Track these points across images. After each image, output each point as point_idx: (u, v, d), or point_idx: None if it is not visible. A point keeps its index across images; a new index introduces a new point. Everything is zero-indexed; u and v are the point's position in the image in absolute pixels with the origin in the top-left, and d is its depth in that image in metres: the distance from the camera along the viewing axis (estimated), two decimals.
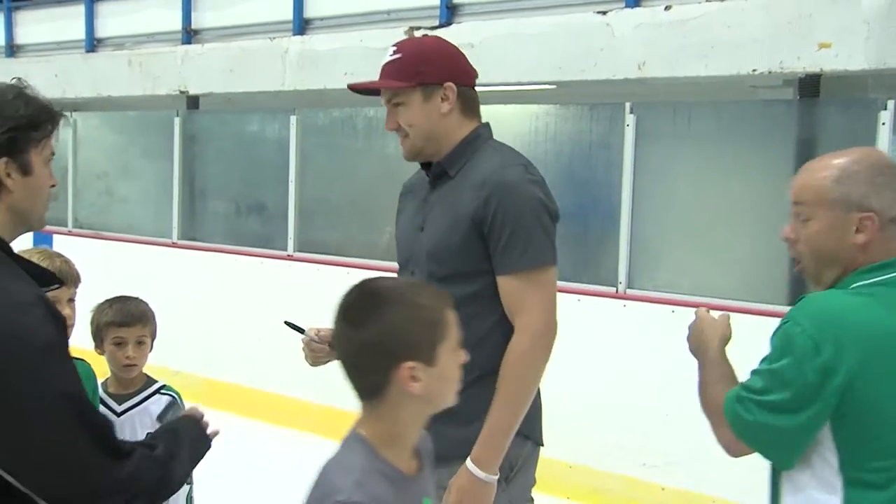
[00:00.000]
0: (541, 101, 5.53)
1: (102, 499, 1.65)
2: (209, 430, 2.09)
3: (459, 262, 2.28)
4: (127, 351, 2.83)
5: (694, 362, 4.45)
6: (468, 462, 2.21)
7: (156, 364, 6.48)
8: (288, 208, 6.49)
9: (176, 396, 2.98)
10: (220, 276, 6.76)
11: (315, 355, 2.46)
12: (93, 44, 8.38)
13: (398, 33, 5.87)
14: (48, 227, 8.06)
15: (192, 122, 7.39)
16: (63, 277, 2.28)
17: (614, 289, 4.91)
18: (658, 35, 4.71)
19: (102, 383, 2.91)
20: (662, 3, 4.76)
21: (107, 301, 2.89)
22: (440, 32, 5.69)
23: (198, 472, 2.34)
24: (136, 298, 2.93)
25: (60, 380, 1.62)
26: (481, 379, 2.21)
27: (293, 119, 6.44)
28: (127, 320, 2.81)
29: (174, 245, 7.25)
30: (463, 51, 5.45)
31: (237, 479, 4.94)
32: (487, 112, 5.59)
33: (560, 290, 4.91)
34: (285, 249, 6.49)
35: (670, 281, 4.84)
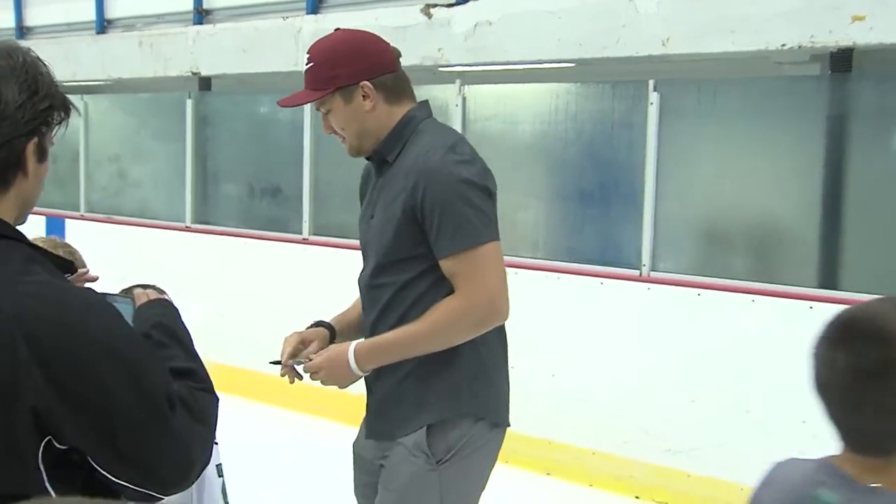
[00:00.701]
0: (561, 79, 5.43)
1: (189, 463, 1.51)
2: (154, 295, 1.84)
3: (397, 249, 2.32)
4: None
5: (720, 346, 4.40)
6: (351, 345, 2.35)
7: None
8: (303, 191, 6.42)
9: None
10: (235, 261, 6.70)
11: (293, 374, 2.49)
12: (103, 25, 8.32)
13: (414, 11, 5.80)
14: (60, 212, 8.13)
15: (205, 104, 7.32)
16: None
17: (638, 272, 4.82)
18: (682, 10, 4.60)
19: None
20: None
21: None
22: (457, 10, 5.61)
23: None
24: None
25: (158, 374, 1.51)
26: (426, 366, 2.33)
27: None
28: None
29: (187, 229, 7.19)
30: (481, 28, 5.43)
31: (250, 463, 4.89)
32: (505, 91, 5.56)
33: (582, 273, 4.91)
34: (300, 233, 6.43)
35: (695, 263, 4.75)
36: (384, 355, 2.34)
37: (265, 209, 6.98)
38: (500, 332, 2.46)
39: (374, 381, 2.44)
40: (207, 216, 7.25)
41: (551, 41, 5.16)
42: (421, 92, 5.82)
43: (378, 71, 2.37)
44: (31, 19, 9.24)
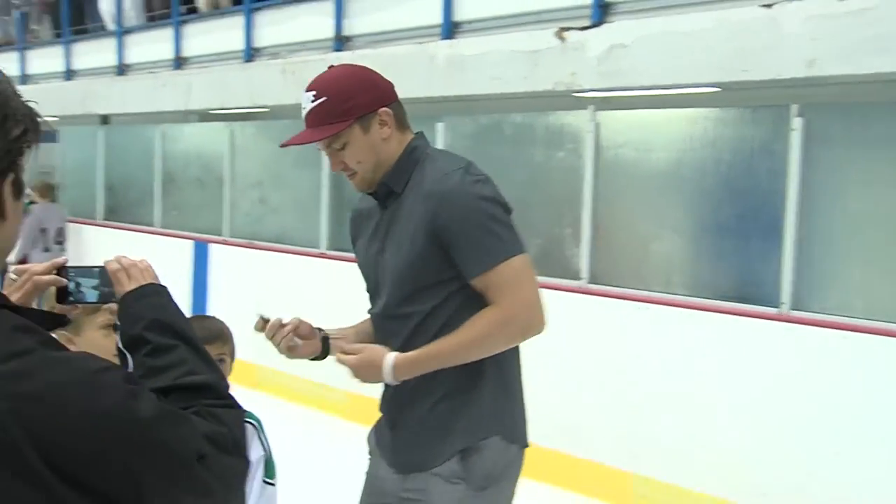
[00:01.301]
0: (698, 104, 5.17)
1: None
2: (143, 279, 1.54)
3: (423, 276, 2.30)
4: None
5: (869, 394, 4.03)
6: (391, 354, 2.29)
7: (300, 376, 6.49)
8: None
9: (256, 424, 2.59)
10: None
11: (292, 346, 2.47)
12: (251, 54, 8.54)
13: (547, 34, 5.67)
14: (205, 236, 8.36)
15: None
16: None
17: (776, 309, 4.51)
18: (831, 28, 4.28)
19: None
20: None
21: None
22: (592, 33, 5.44)
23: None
24: (214, 317, 2.73)
25: (184, 441, 1.25)
26: (454, 393, 2.33)
27: (440, 126, 6.29)
28: (206, 337, 2.58)
29: (322, 256, 7.24)
30: (615, 52, 5.24)
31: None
32: (640, 117, 5.34)
33: (714, 310, 4.62)
34: None
35: (840, 302, 4.39)
36: (421, 368, 2.31)
37: None
38: (516, 350, 2.44)
39: (399, 414, 2.43)
40: (343, 242, 7.26)
41: (688, 64, 4.92)
42: (552, 118, 5.76)
43: (388, 98, 2.37)
44: (186, 50, 9.62)
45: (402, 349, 2.34)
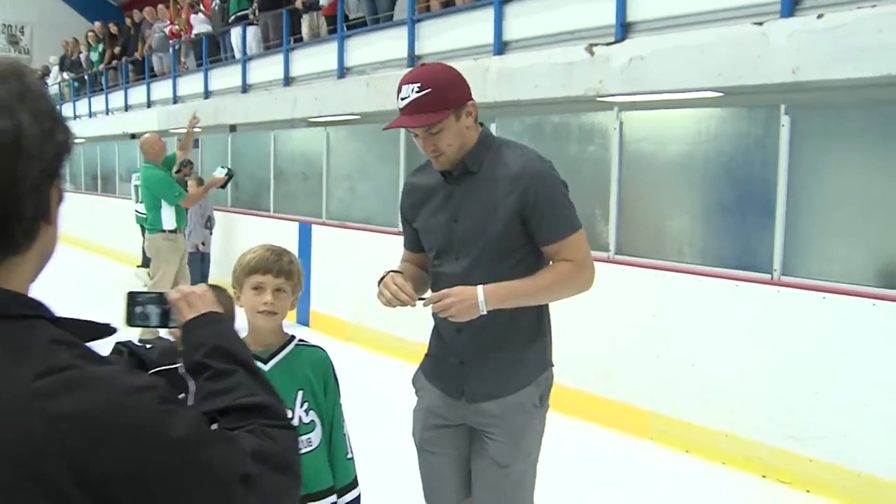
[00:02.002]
0: (703, 105, 5.11)
1: None
2: (200, 298, 1.37)
3: (505, 243, 2.31)
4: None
5: (842, 345, 3.98)
6: (479, 287, 2.26)
7: (385, 331, 6.57)
8: None
9: None
10: None
11: (395, 300, 2.32)
12: (343, 72, 8.65)
13: (579, 49, 5.64)
14: (309, 219, 8.53)
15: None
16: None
17: (769, 275, 4.45)
18: (810, 41, 4.21)
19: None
20: (815, 11, 4.24)
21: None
22: (616, 47, 5.40)
23: None
24: (224, 290, 2.35)
25: (228, 462, 1.04)
26: (525, 333, 2.40)
27: (493, 126, 6.31)
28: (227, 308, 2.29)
29: (400, 234, 7.31)
30: (633, 62, 5.19)
31: None
32: (656, 116, 5.29)
33: (720, 276, 4.60)
34: None
35: (821, 269, 4.32)
36: (507, 299, 2.30)
37: None
38: None
39: (471, 352, 2.41)
40: None
41: (694, 72, 4.87)
42: (584, 118, 5.72)
43: (471, 93, 2.36)
44: (293, 71, 9.78)
45: None
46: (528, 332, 2.41)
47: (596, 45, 5.54)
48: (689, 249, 5.04)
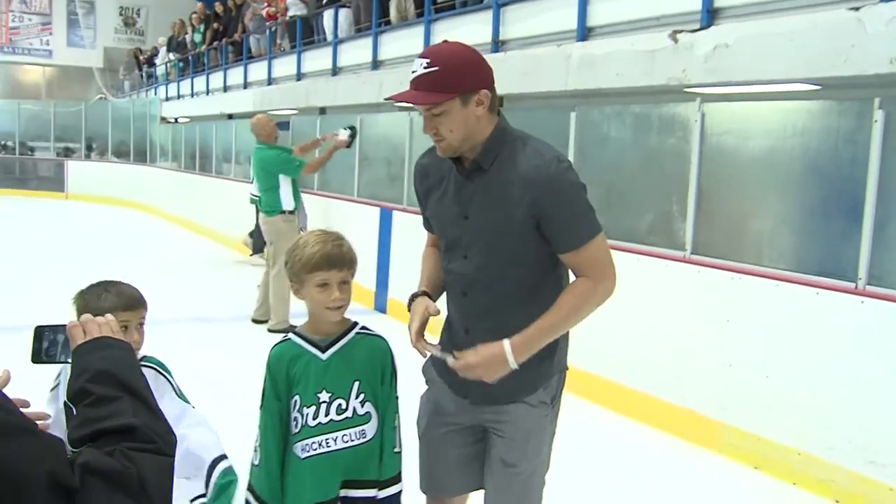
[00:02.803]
0: (795, 97, 4.77)
1: None
2: (113, 328, 1.37)
3: (517, 247, 2.21)
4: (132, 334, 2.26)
5: None
6: (505, 341, 2.17)
7: None
8: None
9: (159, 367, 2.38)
10: None
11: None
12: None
13: (663, 36, 5.39)
14: (389, 205, 8.50)
15: None
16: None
17: (854, 284, 4.12)
18: None
19: None
20: None
21: (101, 286, 2.35)
22: (700, 34, 5.13)
23: None
24: (127, 284, 2.39)
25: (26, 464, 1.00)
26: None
27: (573, 115, 6.11)
28: (127, 303, 2.29)
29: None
30: (718, 51, 4.90)
31: None
32: (740, 108, 4.98)
33: (799, 283, 4.30)
34: None
35: None
36: (536, 344, 2.21)
37: None
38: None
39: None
40: None
41: (782, 61, 4.56)
42: (665, 109, 5.47)
43: (491, 83, 2.21)
44: (381, 55, 9.75)
45: (489, 307, 2.27)
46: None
47: (680, 31, 5.27)
48: (769, 252, 4.73)
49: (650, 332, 5.18)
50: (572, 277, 2.27)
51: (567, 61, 6.33)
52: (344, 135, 7.81)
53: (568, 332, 2.34)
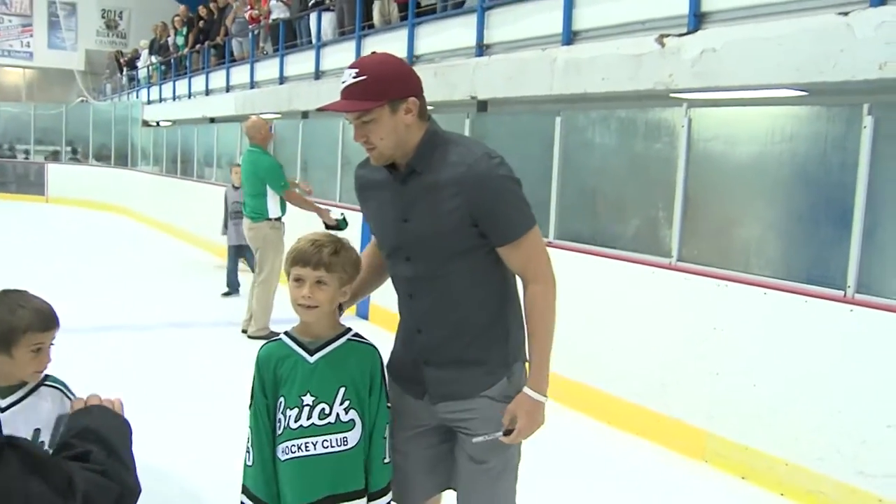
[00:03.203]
0: (782, 102, 4.71)
1: None
2: (116, 406, 1.57)
3: (458, 245, 2.22)
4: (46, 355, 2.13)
5: None
6: (527, 389, 2.24)
7: None
8: (550, 199, 6.10)
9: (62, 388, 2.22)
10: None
11: None
12: (412, 60, 8.47)
13: (649, 40, 5.30)
14: None
15: (481, 123, 7.20)
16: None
17: (843, 292, 4.05)
18: None
19: None
20: None
21: (13, 298, 2.13)
22: (687, 38, 5.06)
23: None
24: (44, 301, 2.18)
25: None
26: (486, 331, 2.30)
27: (558, 119, 6.03)
28: (48, 324, 2.11)
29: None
30: (705, 55, 4.83)
31: None
32: (728, 114, 4.91)
33: (787, 290, 4.22)
34: (547, 237, 6.12)
35: None
36: (546, 370, 2.27)
37: None
38: (517, 288, 2.37)
39: (432, 354, 2.34)
40: None
41: (770, 66, 4.49)
42: (651, 114, 5.39)
43: (419, 91, 2.25)
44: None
45: (434, 305, 2.29)
46: (491, 331, 2.31)
47: (667, 35, 5.19)
48: (757, 259, 4.66)
49: (635, 340, 5.10)
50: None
51: (552, 65, 6.25)
52: (335, 214, 7.11)
53: (520, 320, 2.33)
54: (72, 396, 2.18)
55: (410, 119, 2.20)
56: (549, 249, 6.15)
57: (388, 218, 2.33)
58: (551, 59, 6.26)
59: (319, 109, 2.28)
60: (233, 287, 9.23)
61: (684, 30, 5.13)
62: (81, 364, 5.08)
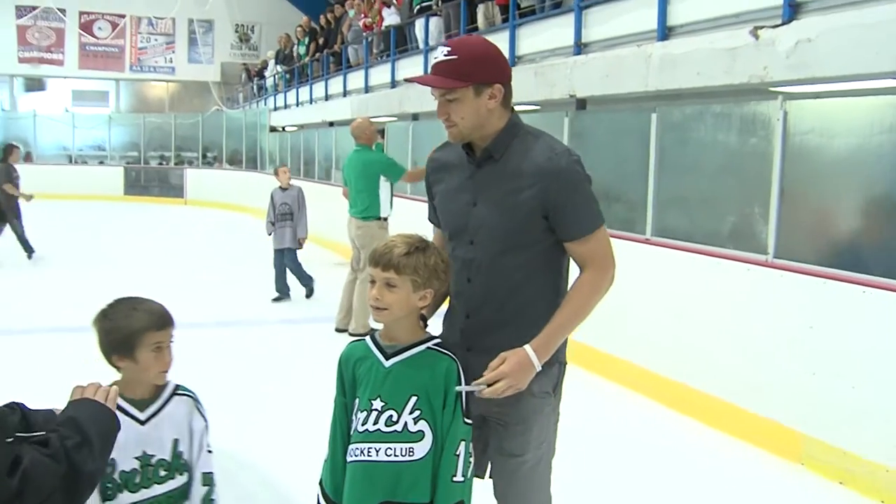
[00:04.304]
0: (878, 93, 4.41)
1: None
2: (108, 400, 1.73)
3: (523, 234, 2.25)
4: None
5: None
6: (527, 347, 2.19)
7: None
8: (647, 196, 5.93)
9: (194, 397, 2.29)
10: None
11: None
12: (514, 60, 8.43)
13: (743, 33, 5.09)
14: None
15: (579, 121, 7.08)
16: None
17: None
18: None
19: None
20: None
21: (127, 304, 2.19)
22: (782, 30, 4.83)
23: None
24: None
25: None
26: (535, 323, 2.24)
27: (653, 116, 5.86)
28: (162, 322, 2.18)
29: None
30: (801, 46, 4.59)
31: None
32: (825, 106, 4.64)
33: (888, 288, 3.98)
34: (644, 234, 5.96)
35: None
36: (555, 342, 2.24)
37: (616, 211, 6.57)
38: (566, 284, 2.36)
39: (479, 341, 2.30)
40: None
41: (869, 55, 4.21)
42: (746, 108, 5.17)
43: (506, 78, 2.26)
44: None
45: (490, 291, 2.28)
46: (540, 325, 2.24)
47: (761, 27, 4.96)
48: (856, 256, 4.38)
49: (730, 338, 4.90)
50: (573, 270, 2.32)
51: (647, 61, 6.08)
52: None
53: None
54: (202, 409, 2.25)
55: (493, 104, 2.21)
56: (645, 246, 6.02)
57: (458, 200, 2.33)
58: (646, 56, 6.10)
59: (407, 80, 2.32)
60: (283, 292, 8.81)
61: (779, 21, 4.89)
62: (197, 357, 5.33)
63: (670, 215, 5.87)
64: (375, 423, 2.15)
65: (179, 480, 2.19)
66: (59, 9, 25.29)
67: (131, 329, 2.10)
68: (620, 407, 5.37)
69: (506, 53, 7.66)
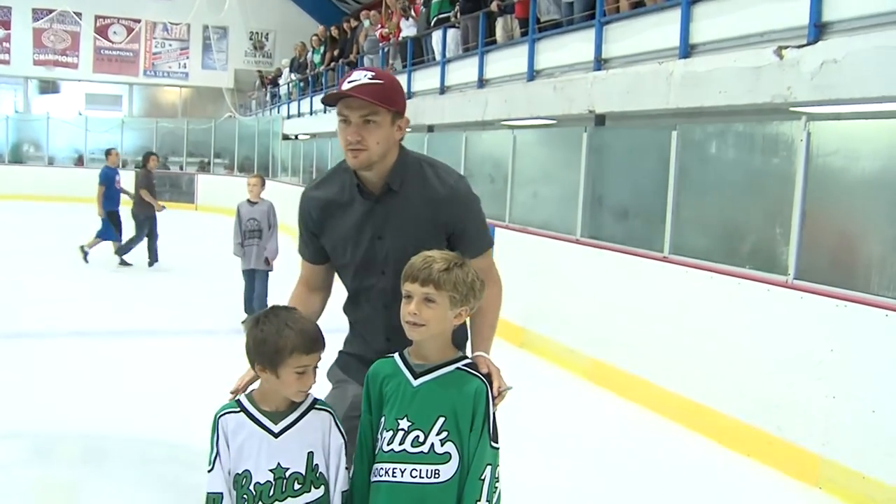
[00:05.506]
0: None
1: None
2: None
3: None
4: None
5: None
6: (484, 354, 2.34)
7: (557, 339, 6.35)
8: (666, 214, 5.94)
9: (332, 413, 2.24)
10: (612, 272, 6.37)
11: None
12: (533, 75, 8.48)
13: (767, 52, 5.12)
14: (492, 221, 8.41)
15: (598, 137, 7.10)
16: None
17: None
18: None
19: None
20: None
21: (280, 318, 2.15)
22: (807, 50, 4.85)
23: None
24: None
25: None
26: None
27: (674, 133, 5.88)
28: (313, 347, 2.13)
29: (578, 241, 7.02)
30: (826, 67, 4.61)
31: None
32: (849, 127, 4.65)
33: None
34: (661, 251, 5.97)
35: None
36: (491, 346, 2.43)
37: (635, 228, 6.58)
38: None
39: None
40: (594, 231, 7.02)
41: (894, 77, 4.21)
42: (769, 128, 5.19)
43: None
44: (487, 74, 9.73)
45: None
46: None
47: (786, 47, 4.98)
48: (879, 279, 4.38)
49: (749, 359, 4.90)
50: None
51: (669, 79, 6.11)
52: None
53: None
54: (339, 424, 2.21)
55: (399, 136, 2.36)
56: (663, 264, 6.01)
57: (358, 236, 2.42)
58: (668, 73, 6.13)
59: (324, 100, 2.35)
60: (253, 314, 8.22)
61: (804, 41, 4.91)
62: (214, 364, 5.35)
63: (689, 234, 5.88)
64: (401, 443, 2.12)
65: (315, 494, 2.14)
66: (75, 12, 25.53)
67: (279, 347, 2.08)
68: (636, 425, 5.37)
69: (524, 68, 7.74)
